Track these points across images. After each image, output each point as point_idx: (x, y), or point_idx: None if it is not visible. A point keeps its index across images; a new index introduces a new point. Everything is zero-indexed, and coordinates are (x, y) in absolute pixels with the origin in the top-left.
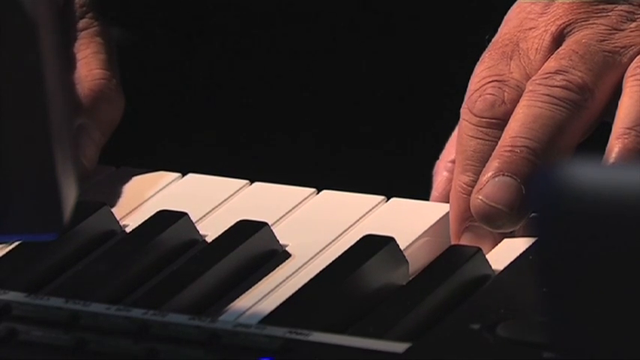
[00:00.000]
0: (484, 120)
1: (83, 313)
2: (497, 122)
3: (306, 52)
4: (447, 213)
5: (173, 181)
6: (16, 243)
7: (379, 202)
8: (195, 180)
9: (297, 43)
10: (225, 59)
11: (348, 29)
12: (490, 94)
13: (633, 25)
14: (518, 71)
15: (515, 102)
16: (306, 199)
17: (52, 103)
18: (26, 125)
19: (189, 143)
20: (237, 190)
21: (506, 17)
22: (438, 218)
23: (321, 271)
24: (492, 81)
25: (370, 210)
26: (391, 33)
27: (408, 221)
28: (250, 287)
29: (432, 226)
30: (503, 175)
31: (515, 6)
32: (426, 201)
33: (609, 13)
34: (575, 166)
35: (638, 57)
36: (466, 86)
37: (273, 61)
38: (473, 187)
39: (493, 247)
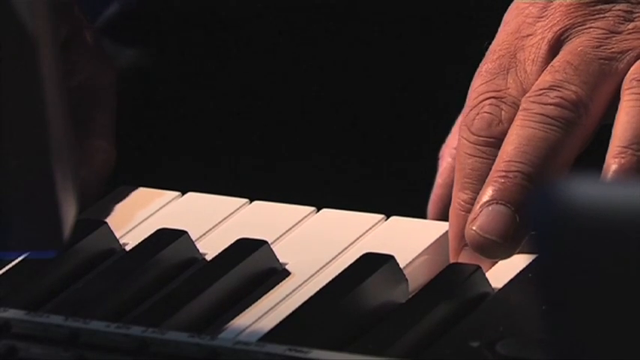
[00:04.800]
0: (481, 139)
1: (83, 330)
2: (495, 141)
3: (304, 71)
4: (447, 231)
5: (173, 199)
6: (16, 260)
7: (379, 221)
8: (194, 198)
9: (296, 61)
10: (225, 78)
11: (347, 48)
12: (487, 112)
13: (631, 25)
14: (515, 86)
15: (512, 121)
16: (305, 217)
17: (52, 121)
18: (26, 142)
19: (188, 162)
20: (237, 209)
21: (504, 18)
22: (437, 236)
23: (320, 289)
24: (490, 97)
25: (370, 228)
26: (390, 50)
27: (407, 239)
28: (250, 305)
29: (431, 245)
30: (497, 203)
31: (513, 6)
32: (426, 220)
33: (606, 14)
34: (573, 183)
35: (634, 66)
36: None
37: (272, 80)
38: (471, 204)
39: (492, 265)
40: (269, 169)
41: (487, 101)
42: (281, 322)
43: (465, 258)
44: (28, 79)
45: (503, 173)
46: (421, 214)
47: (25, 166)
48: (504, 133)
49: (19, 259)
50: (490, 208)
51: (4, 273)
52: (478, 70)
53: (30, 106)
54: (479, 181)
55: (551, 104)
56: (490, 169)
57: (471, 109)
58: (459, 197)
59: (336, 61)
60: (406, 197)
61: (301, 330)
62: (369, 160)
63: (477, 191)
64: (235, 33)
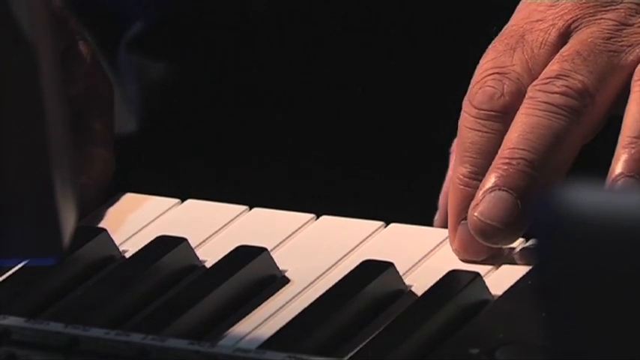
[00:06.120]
0: (482, 112)
1: (83, 337)
2: (496, 115)
3: (304, 78)
4: (447, 238)
5: (172, 206)
6: (16, 268)
7: (378, 228)
8: (194, 205)
9: (296, 68)
10: (225, 85)
11: (346, 57)
12: (490, 86)
13: None
14: (520, 64)
15: (515, 95)
16: (305, 224)
17: (51, 128)
18: (26, 149)
19: (188, 169)
20: (237, 216)
21: (515, 13)
22: (437, 243)
23: (320, 297)
24: (493, 73)
25: (369, 235)
26: (390, 59)
27: (407, 246)
28: (249, 312)
29: (431, 251)
30: (500, 189)
31: (522, 1)
32: (426, 226)
33: (618, 6)
34: (573, 191)
35: None
36: None
37: (272, 86)
38: (470, 178)
39: (488, 248)
40: (268, 176)
41: (490, 76)
42: (281, 330)
43: (461, 233)
44: (28, 87)
45: (507, 160)
46: (421, 220)
47: (25, 173)
48: (506, 107)
49: (19, 266)
50: (492, 194)
51: (3, 280)
52: (486, 51)
53: (30, 113)
54: (479, 155)
55: (556, 93)
56: (491, 143)
57: (474, 85)
58: (458, 171)
59: (335, 68)
60: (406, 204)
61: (301, 337)
62: (368, 167)
63: (476, 165)
64: (237, 42)
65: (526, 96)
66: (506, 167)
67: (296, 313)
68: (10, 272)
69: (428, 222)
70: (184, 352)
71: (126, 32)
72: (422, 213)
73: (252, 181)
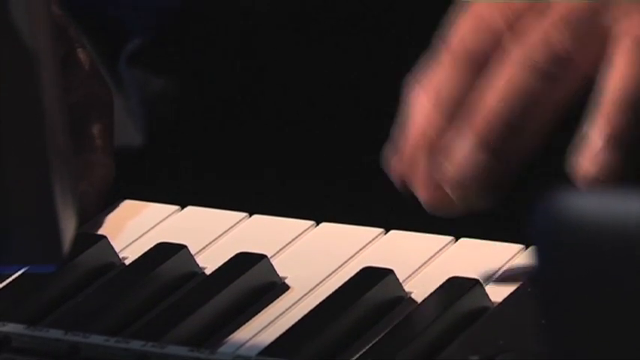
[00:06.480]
0: (458, 58)
1: (83, 344)
2: (472, 62)
3: (304, 86)
4: (446, 245)
5: (172, 213)
6: (16, 275)
7: (378, 235)
8: (194, 212)
9: (294, 78)
10: (224, 94)
11: (344, 63)
12: (468, 33)
13: None
14: (499, 13)
15: (492, 43)
16: (304, 231)
17: (51, 134)
18: (26, 156)
19: (188, 176)
20: (236, 223)
21: None
22: (437, 250)
23: (319, 304)
24: (472, 20)
25: (369, 242)
26: (390, 63)
27: (407, 253)
28: (249, 319)
29: (431, 258)
30: (478, 150)
31: None
32: (426, 233)
33: None
34: (572, 197)
35: (627, 24)
36: None
37: (272, 93)
38: (441, 125)
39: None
40: (268, 183)
41: (469, 23)
42: (280, 337)
43: (434, 189)
44: (28, 93)
45: (486, 120)
46: (421, 227)
47: (25, 180)
48: (482, 55)
49: (19, 273)
50: (471, 155)
51: (3, 287)
52: None
53: (30, 120)
54: (451, 102)
55: (538, 56)
56: (464, 89)
57: (453, 31)
58: (430, 117)
59: (334, 73)
60: (405, 211)
61: (301, 344)
62: (368, 173)
63: (448, 111)
64: (236, 54)
65: (507, 57)
66: (484, 127)
67: (296, 320)
68: (10, 279)
69: (428, 229)
70: (184, 358)
71: (126, 46)
72: (422, 220)
73: (251, 188)
